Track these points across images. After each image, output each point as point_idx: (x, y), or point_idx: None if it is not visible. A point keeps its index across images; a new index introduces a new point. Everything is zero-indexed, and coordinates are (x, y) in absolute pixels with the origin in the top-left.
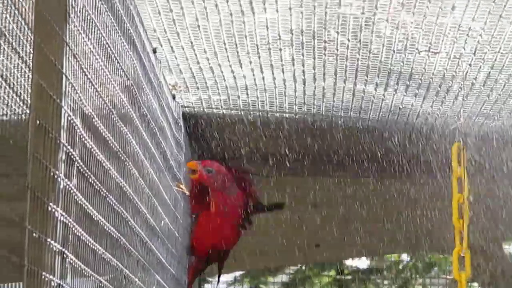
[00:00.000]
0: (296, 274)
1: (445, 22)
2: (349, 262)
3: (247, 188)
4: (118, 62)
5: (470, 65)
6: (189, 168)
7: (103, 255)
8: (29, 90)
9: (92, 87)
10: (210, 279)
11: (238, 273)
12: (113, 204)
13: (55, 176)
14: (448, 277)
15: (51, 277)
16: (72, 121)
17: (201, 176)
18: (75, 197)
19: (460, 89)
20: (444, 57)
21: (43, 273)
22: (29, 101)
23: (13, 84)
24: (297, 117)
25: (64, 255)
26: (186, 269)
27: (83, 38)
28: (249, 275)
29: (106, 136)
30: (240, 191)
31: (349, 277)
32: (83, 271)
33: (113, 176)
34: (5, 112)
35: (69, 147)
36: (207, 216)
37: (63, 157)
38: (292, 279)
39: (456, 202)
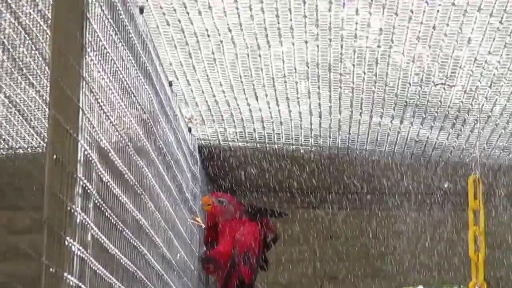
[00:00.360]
0: None
1: (461, 55)
2: None
3: (263, 220)
4: (134, 96)
5: (486, 98)
6: (204, 203)
7: None
8: (45, 124)
9: (109, 120)
10: None
11: None
12: (130, 238)
13: (72, 210)
14: None
15: None
16: (88, 155)
17: (214, 207)
18: (92, 231)
19: (476, 122)
20: (460, 89)
21: None
22: (45, 135)
23: (29, 118)
24: (313, 149)
25: None
26: None
27: (99, 72)
28: None
29: (122, 169)
30: (254, 223)
31: None
32: None
33: (130, 209)
34: (21, 146)
35: (85, 181)
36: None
37: (80, 191)
38: None
39: (472, 235)
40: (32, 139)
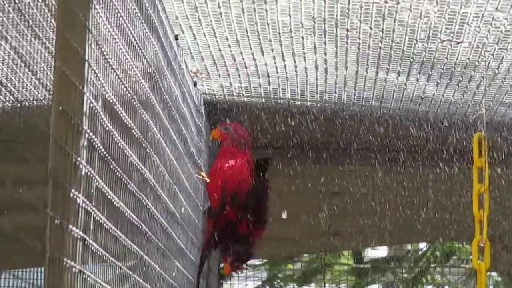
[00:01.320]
0: (314, 263)
1: (468, 12)
2: (367, 251)
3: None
4: (140, 49)
5: (492, 54)
6: (212, 137)
7: (124, 242)
8: (51, 77)
9: (114, 73)
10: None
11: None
12: (134, 191)
13: (77, 162)
14: (466, 266)
15: (72, 263)
16: (94, 108)
17: (221, 134)
18: (97, 183)
19: (482, 79)
20: (467, 46)
21: (65, 259)
22: (51, 87)
23: (35, 70)
24: (318, 105)
25: (86, 241)
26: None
27: (106, 25)
28: (268, 263)
29: (127, 122)
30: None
31: (367, 265)
32: (104, 258)
33: (134, 162)
34: (27, 98)
35: (91, 133)
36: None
37: (85, 143)
38: (310, 268)
39: (477, 192)
40: (38, 92)
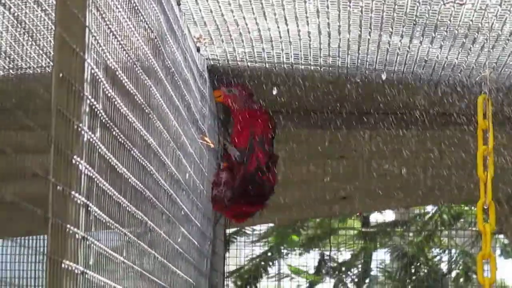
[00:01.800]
0: (321, 227)
1: None
2: (374, 214)
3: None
4: (141, 15)
5: (496, 16)
6: (214, 95)
7: (127, 208)
8: (53, 43)
9: (116, 39)
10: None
11: (263, 227)
12: (138, 157)
13: (79, 129)
14: (473, 228)
15: (75, 230)
16: (95, 74)
17: (225, 96)
18: (99, 150)
19: (486, 41)
20: (470, 8)
21: (68, 226)
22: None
23: (37, 37)
24: (322, 69)
25: (89, 208)
26: (211, 222)
27: None
28: (275, 229)
29: (130, 89)
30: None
31: (374, 229)
32: (108, 224)
33: (137, 128)
34: (29, 65)
35: (92, 100)
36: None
37: (87, 110)
38: (316, 232)
39: (481, 155)
40: (40, 59)
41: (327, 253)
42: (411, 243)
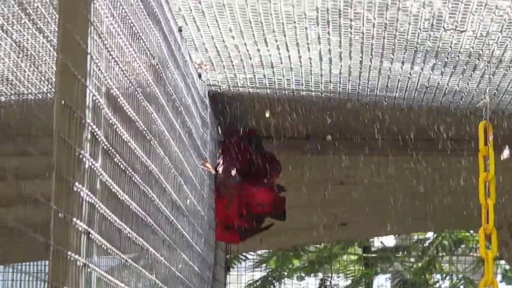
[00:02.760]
0: (322, 252)
1: (472, 0)
2: (375, 240)
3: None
4: (143, 41)
5: (496, 43)
6: None
7: (128, 234)
8: (54, 69)
9: (117, 66)
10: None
11: (263, 252)
12: (139, 183)
13: (80, 156)
14: (474, 254)
15: (76, 256)
16: (97, 101)
17: None
18: (100, 176)
19: (486, 67)
20: (471, 35)
21: (69, 253)
22: (54, 80)
23: (39, 63)
24: (323, 95)
25: (90, 235)
26: (212, 248)
27: (108, 17)
28: (275, 254)
29: (131, 115)
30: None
31: (375, 255)
32: (109, 250)
33: (139, 155)
34: (30, 91)
35: (94, 126)
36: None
37: (88, 137)
38: (318, 257)
39: (483, 181)
40: (42, 85)
41: (328, 278)
42: (412, 269)
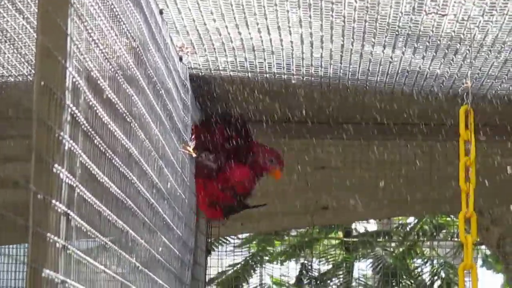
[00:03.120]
0: (303, 237)
1: None
2: (356, 225)
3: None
4: (124, 24)
5: (478, 27)
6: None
7: (108, 217)
8: (35, 52)
9: (98, 48)
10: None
11: (245, 235)
12: (119, 166)
13: (60, 138)
14: (455, 239)
15: (56, 238)
16: (77, 82)
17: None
18: (80, 158)
19: (468, 51)
20: (452, 19)
21: (48, 235)
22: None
23: (19, 45)
24: (304, 79)
25: (69, 217)
26: (193, 231)
27: None
28: (256, 237)
29: (111, 97)
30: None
31: (356, 239)
32: (89, 233)
33: (119, 137)
34: (11, 74)
35: (74, 108)
36: None
37: (68, 118)
38: (299, 242)
39: (463, 165)
40: (22, 67)
41: (309, 263)
42: (393, 254)
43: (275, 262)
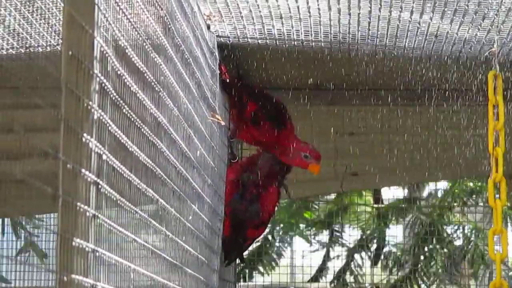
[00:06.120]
0: (333, 204)
1: None
2: (386, 192)
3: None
4: None
5: None
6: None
7: (138, 186)
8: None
9: (125, 17)
10: None
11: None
12: (148, 135)
13: (89, 107)
14: (486, 204)
15: (86, 207)
16: (105, 52)
17: None
18: (109, 128)
19: (496, 16)
20: None
21: (78, 204)
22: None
23: (47, 15)
24: (332, 46)
25: (99, 186)
26: (222, 199)
27: None
28: (288, 206)
29: (140, 66)
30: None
31: (386, 205)
32: (118, 202)
33: (148, 106)
34: (40, 44)
35: (102, 77)
36: None
37: (97, 88)
38: (330, 209)
39: (492, 130)
40: (50, 37)
41: (338, 228)
42: (424, 220)
43: (306, 230)
